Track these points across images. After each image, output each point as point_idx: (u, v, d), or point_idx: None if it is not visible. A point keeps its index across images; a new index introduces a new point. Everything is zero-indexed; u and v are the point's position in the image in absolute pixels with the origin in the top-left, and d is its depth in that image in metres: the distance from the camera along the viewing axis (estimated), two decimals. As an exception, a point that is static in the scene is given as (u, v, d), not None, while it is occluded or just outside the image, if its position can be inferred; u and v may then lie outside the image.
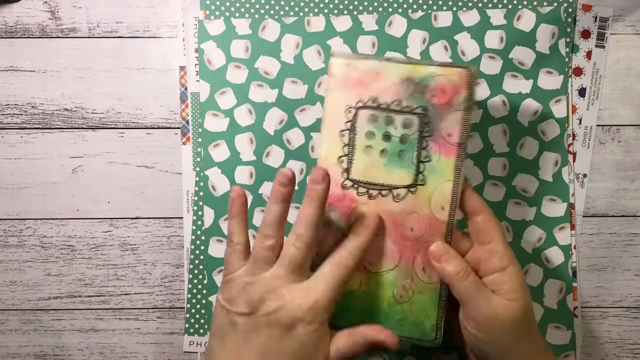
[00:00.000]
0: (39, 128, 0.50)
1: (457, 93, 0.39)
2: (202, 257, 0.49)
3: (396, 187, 0.40)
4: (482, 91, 0.48)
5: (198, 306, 0.50)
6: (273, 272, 0.38)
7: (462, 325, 0.40)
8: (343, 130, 0.41)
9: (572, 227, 0.49)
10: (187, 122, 0.50)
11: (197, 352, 0.50)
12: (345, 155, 0.41)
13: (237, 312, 0.37)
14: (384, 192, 0.40)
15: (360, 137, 0.40)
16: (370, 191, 0.41)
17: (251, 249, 0.39)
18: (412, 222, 0.40)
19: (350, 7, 0.49)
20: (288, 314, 0.36)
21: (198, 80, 0.49)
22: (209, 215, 0.49)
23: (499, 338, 0.39)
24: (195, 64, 0.49)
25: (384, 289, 0.41)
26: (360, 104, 0.40)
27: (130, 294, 0.50)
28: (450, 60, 0.48)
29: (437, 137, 0.40)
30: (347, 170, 0.41)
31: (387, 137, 0.40)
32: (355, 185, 0.41)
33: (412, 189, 0.40)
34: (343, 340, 0.38)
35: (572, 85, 0.49)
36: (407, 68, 0.40)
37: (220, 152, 0.49)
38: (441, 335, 0.41)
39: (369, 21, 0.49)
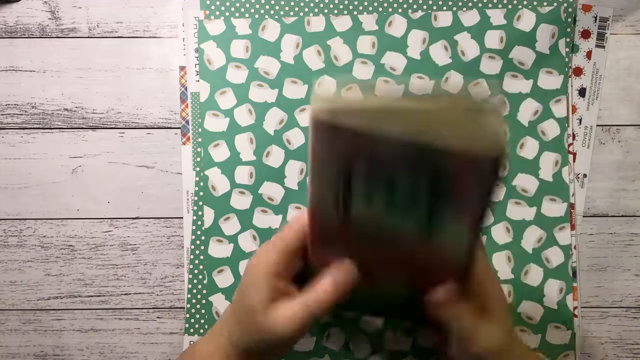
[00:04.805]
0: (39, 128, 0.50)
1: None
2: (202, 257, 0.49)
3: None
4: (482, 91, 0.48)
5: (198, 306, 0.50)
6: None
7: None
8: None
9: (572, 227, 0.49)
10: (187, 122, 0.50)
11: (197, 352, 0.50)
12: None
13: None
14: None
15: None
16: None
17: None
18: None
19: (350, 7, 0.49)
20: None
21: (198, 80, 0.49)
22: (209, 215, 0.49)
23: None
24: (195, 64, 0.49)
25: None
26: None
27: (130, 294, 0.50)
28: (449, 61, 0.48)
29: None
30: None
31: None
32: None
33: None
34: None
35: (572, 85, 0.49)
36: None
37: (220, 152, 0.49)
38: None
39: (369, 21, 0.49)
